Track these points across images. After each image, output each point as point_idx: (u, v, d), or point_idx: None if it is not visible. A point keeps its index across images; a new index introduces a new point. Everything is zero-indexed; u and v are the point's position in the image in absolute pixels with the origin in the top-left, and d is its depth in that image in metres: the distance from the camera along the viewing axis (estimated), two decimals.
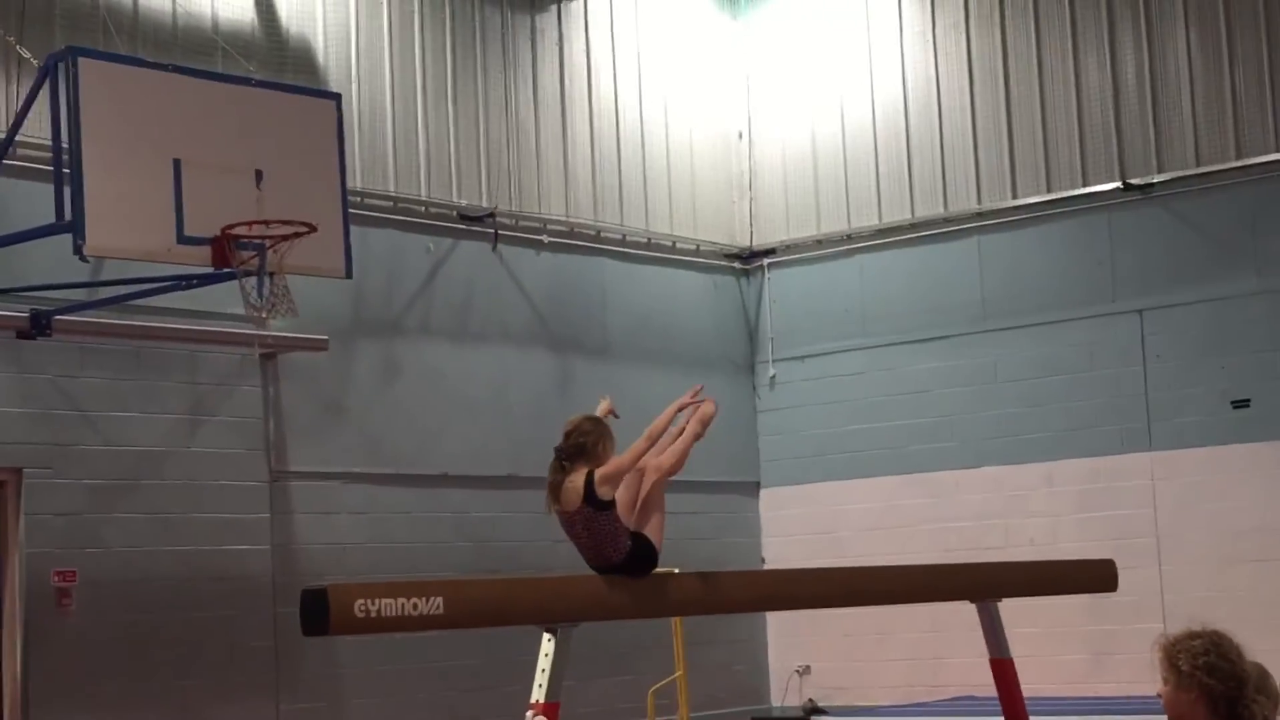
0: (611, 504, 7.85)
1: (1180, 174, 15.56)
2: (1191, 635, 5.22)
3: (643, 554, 8.02)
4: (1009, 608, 10.23)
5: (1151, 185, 15.69)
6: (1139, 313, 15.68)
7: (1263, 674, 5.18)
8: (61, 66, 10.83)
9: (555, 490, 7.88)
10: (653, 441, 8.06)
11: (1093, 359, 15.87)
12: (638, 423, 8.19)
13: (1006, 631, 10.16)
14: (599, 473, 7.76)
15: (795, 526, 17.42)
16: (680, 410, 8.37)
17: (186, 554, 13.31)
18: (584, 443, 7.91)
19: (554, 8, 16.62)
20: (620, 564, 7.95)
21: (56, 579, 12.61)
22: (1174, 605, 14.98)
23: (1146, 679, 14.51)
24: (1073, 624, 15.31)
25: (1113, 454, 15.67)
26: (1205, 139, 15.46)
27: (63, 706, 12.51)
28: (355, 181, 13.98)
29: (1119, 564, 10.94)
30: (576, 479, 7.79)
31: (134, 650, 12.92)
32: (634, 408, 8.69)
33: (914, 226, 17.11)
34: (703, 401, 8.56)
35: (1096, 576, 10.92)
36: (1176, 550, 15.24)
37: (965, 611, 10.39)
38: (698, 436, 8.47)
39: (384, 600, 7.07)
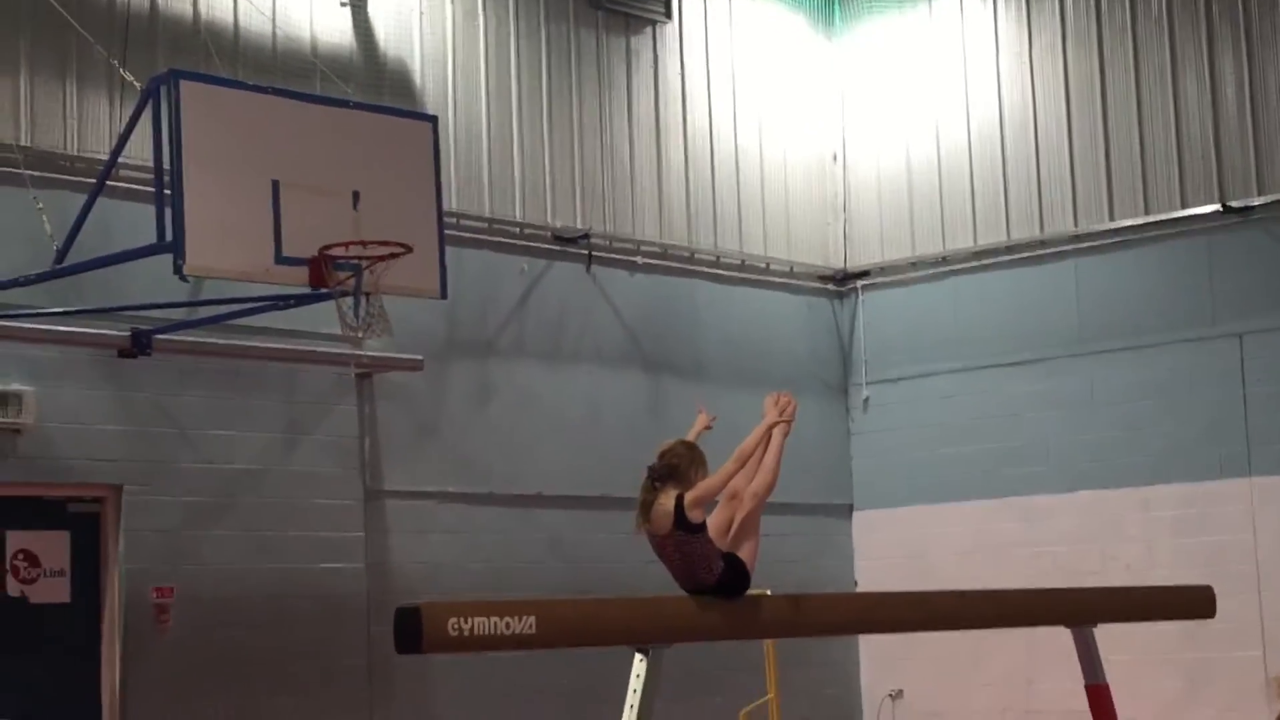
0: (702, 527, 7.86)
1: None
2: None
3: (736, 576, 8.02)
4: (1104, 633, 10.15)
5: (1251, 208, 15.52)
6: (1238, 336, 15.50)
7: None
8: (163, 89, 10.97)
9: (645, 509, 7.90)
10: (743, 463, 8.05)
11: (1191, 383, 15.70)
12: (730, 445, 8.19)
13: (1101, 657, 10.08)
14: (689, 496, 7.78)
15: (888, 550, 17.34)
16: (770, 429, 8.36)
17: (282, 572, 13.43)
18: (677, 464, 7.93)
19: (649, 30, 16.67)
20: (713, 586, 7.96)
21: (155, 595, 12.77)
22: (1274, 633, 14.78)
23: (1244, 707, 14.37)
24: (1169, 651, 15.14)
25: (1211, 480, 15.49)
26: None
27: None
28: (451, 203, 14.08)
29: (1217, 590, 10.83)
30: (666, 502, 7.81)
31: (230, 667, 13.04)
32: (727, 429, 8.69)
33: (1010, 249, 17.01)
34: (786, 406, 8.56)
35: (1194, 603, 10.82)
36: (1276, 577, 15.02)
37: (1059, 636, 10.33)
38: (786, 434, 8.48)
39: (477, 619, 7.11)
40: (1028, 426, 16.63)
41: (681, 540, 7.81)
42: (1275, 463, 15.19)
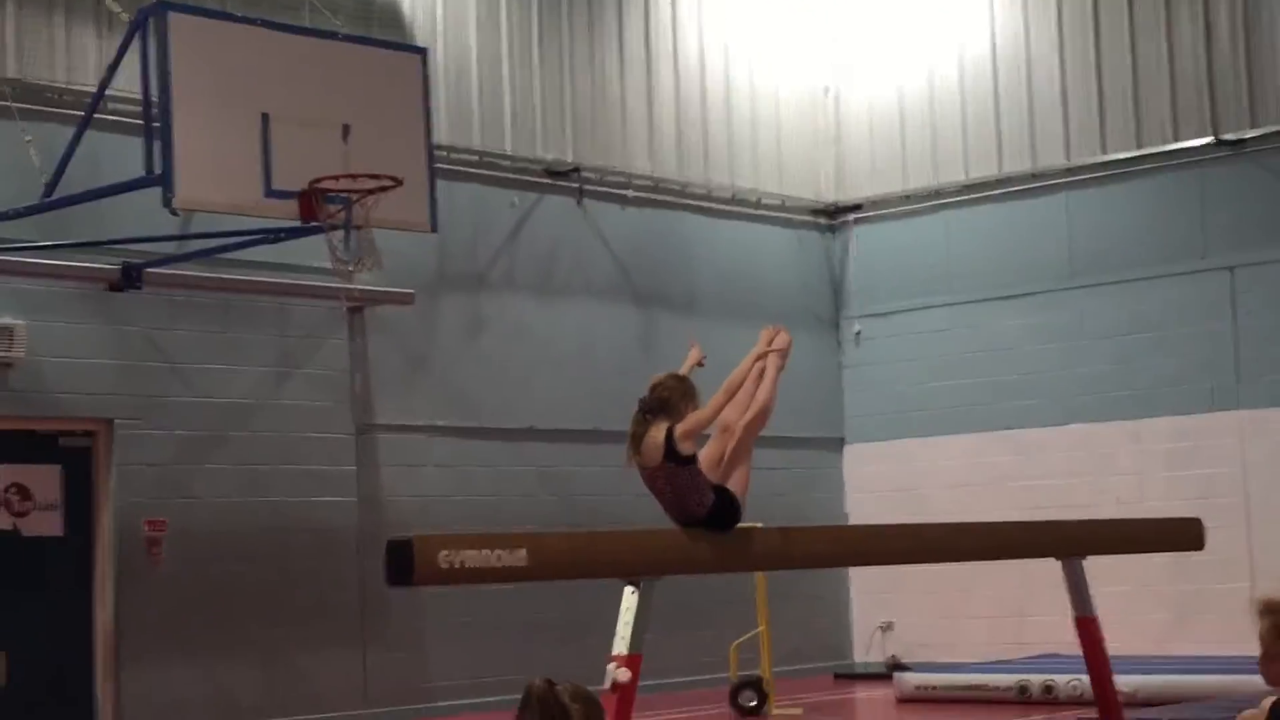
0: (693, 459, 7.86)
1: (1274, 129, 15.34)
2: None
3: (726, 508, 8.01)
4: (1094, 565, 10.17)
5: (1244, 141, 15.49)
6: (1230, 270, 15.50)
7: None
8: (152, 21, 10.91)
9: (636, 442, 7.89)
10: (732, 394, 8.04)
11: (1182, 316, 15.71)
12: (721, 378, 8.19)
13: (1091, 589, 10.11)
14: (679, 428, 7.77)
15: (879, 483, 17.38)
16: (759, 360, 8.34)
17: (274, 505, 13.46)
18: (667, 397, 7.91)
19: None
20: (703, 518, 7.95)
21: (147, 528, 12.80)
22: (1262, 565, 14.84)
23: (1231, 638, 14.39)
24: (1158, 583, 15.21)
25: (1201, 412, 15.53)
26: None
27: (153, 653, 12.71)
28: (440, 136, 14.02)
29: (1206, 523, 10.85)
30: (657, 434, 7.80)
31: (222, 600, 13.09)
32: (718, 363, 8.68)
33: (1002, 182, 16.97)
34: (776, 336, 8.56)
35: (1183, 535, 10.84)
36: (1265, 510, 15.09)
37: (1049, 569, 10.35)
38: (780, 369, 8.46)
39: (468, 552, 7.11)
40: (1019, 360, 16.65)
41: (672, 472, 7.81)
42: (1265, 396, 15.22)
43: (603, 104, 16.12)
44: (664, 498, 7.96)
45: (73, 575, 12.67)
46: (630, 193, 16.29)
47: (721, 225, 17.08)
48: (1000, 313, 16.82)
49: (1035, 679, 13.48)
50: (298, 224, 11.45)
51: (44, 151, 11.88)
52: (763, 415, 8.29)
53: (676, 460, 7.78)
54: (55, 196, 11.62)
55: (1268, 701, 5.20)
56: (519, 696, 4.16)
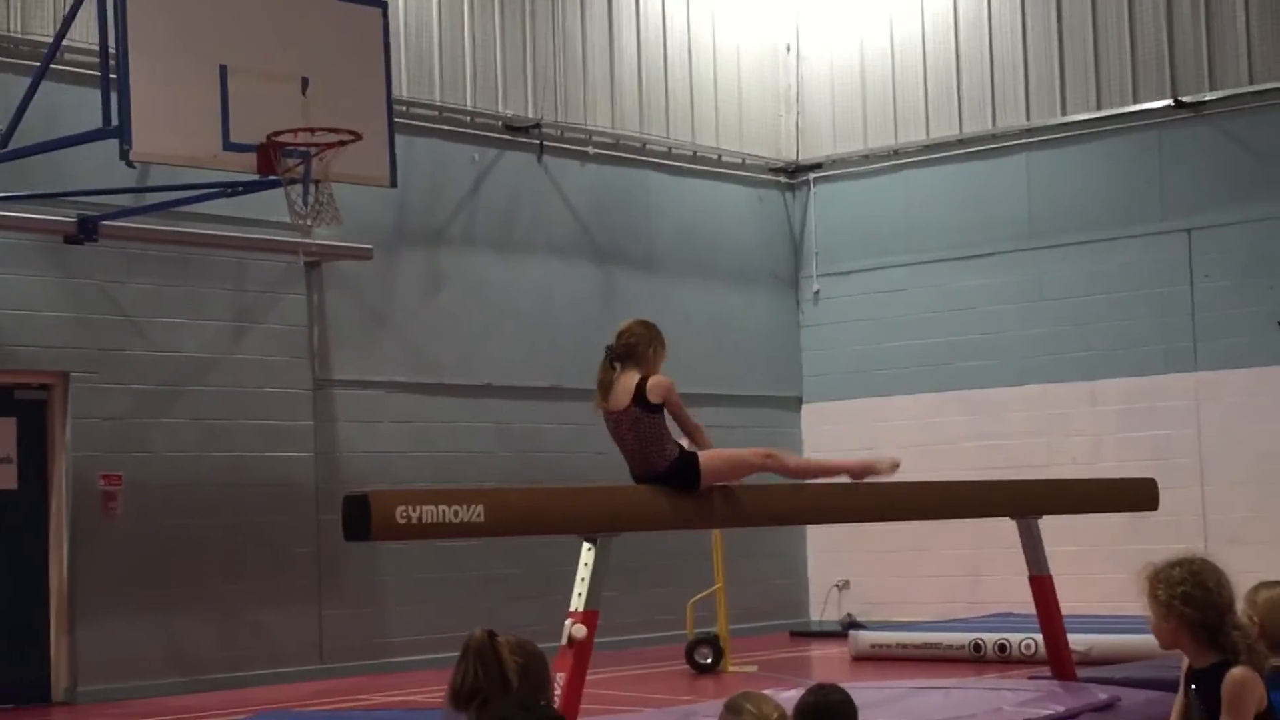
0: (660, 409, 7.87)
1: (1233, 92, 15.39)
2: (1172, 565, 5.27)
3: (687, 468, 8.02)
4: (1049, 525, 10.23)
5: (1203, 103, 15.53)
6: (1187, 232, 15.56)
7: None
8: None
9: (605, 389, 7.90)
10: (734, 467, 8.16)
11: (1139, 278, 15.78)
12: (681, 337, 8.20)
13: (1046, 549, 10.17)
14: (653, 379, 7.81)
15: (837, 442, 17.41)
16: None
17: (231, 460, 13.42)
18: (634, 344, 7.93)
19: None
20: (664, 472, 7.95)
21: (103, 483, 12.74)
22: (1215, 525, 14.95)
23: None
24: (1113, 543, 15.28)
25: (1157, 374, 15.62)
26: (1259, 57, 15.28)
27: (108, 608, 12.67)
28: (400, 90, 13.96)
29: (1160, 483, 10.93)
30: (628, 380, 7.82)
31: (178, 554, 13.06)
32: (677, 320, 8.72)
33: (962, 143, 17.00)
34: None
35: (1138, 495, 10.91)
36: (1218, 470, 15.20)
37: (1005, 528, 10.41)
38: (843, 471, 8.68)
39: (425, 507, 7.10)
40: (977, 320, 16.70)
41: (638, 417, 7.82)
42: (1220, 357, 15.31)
43: (564, 59, 16.06)
44: (627, 446, 7.96)
45: (27, 529, 12.61)
46: (591, 149, 16.26)
47: (682, 183, 17.07)
48: (959, 273, 16.87)
49: (989, 638, 13.55)
50: (256, 177, 11.40)
51: None
52: (800, 469, 8.46)
53: (644, 406, 7.80)
54: (11, 148, 11.54)
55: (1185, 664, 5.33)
56: None
